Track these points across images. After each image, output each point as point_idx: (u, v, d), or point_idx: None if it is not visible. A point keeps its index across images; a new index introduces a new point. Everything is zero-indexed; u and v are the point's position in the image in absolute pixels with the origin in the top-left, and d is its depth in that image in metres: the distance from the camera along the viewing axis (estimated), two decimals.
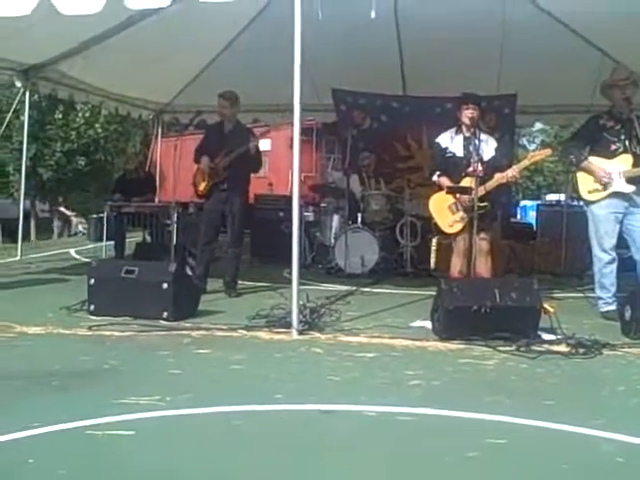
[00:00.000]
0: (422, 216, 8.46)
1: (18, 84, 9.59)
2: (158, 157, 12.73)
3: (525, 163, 6.10)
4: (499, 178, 5.90)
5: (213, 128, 7.35)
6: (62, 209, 20.35)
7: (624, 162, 5.82)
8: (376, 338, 4.99)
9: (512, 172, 5.91)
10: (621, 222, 5.86)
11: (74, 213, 20.06)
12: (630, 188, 5.80)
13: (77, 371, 4.06)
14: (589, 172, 5.92)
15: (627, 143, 5.83)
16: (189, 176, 7.21)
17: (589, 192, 5.95)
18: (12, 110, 10.50)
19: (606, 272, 5.91)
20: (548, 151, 6.33)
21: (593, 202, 5.94)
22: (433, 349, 4.76)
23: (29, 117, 11.07)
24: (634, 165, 5.79)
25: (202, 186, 6.92)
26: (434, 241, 8.84)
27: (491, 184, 5.89)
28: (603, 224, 5.88)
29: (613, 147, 5.87)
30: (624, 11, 6.88)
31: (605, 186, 5.83)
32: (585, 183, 5.97)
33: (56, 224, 20.14)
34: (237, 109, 7.05)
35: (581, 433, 3.14)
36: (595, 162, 5.90)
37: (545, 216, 10.68)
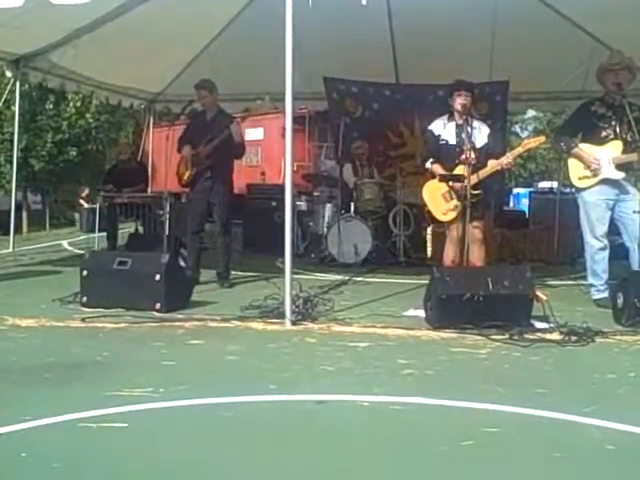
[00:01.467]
0: (415, 204, 8.47)
1: (8, 74, 9.56)
2: (150, 147, 12.68)
3: (519, 150, 6.05)
4: (494, 165, 5.89)
5: (196, 117, 7.36)
6: (81, 202, 20.29)
7: (614, 148, 5.82)
8: (369, 327, 5.00)
9: (507, 159, 5.89)
10: (612, 209, 5.87)
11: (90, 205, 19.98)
12: (620, 174, 5.81)
13: (70, 363, 4.05)
14: (579, 159, 5.93)
15: (617, 129, 5.83)
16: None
17: (579, 179, 5.96)
18: (2, 100, 10.43)
19: (598, 259, 5.92)
20: (542, 138, 6.29)
21: (584, 189, 5.95)
22: (426, 338, 4.76)
23: (20, 107, 11.01)
24: (624, 151, 5.79)
25: (186, 175, 6.91)
26: (429, 230, 8.85)
27: (485, 172, 5.87)
28: (594, 211, 5.89)
29: (604, 134, 5.87)
30: None
31: (595, 173, 5.84)
32: (576, 170, 5.97)
33: (77, 217, 20.03)
34: (216, 95, 7.05)
35: (573, 421, 3.15)
36: (585, 149, 5.91)
37: (538, 204, 10.70)
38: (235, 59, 9.46)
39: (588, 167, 5.86)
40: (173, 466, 2.68)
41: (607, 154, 5.82)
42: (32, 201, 20.69)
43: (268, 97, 6.84)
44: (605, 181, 5.84)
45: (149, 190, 10.58)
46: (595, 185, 5.88)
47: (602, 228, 5.89)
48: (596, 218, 5.89)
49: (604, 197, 5.86)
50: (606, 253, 5.91)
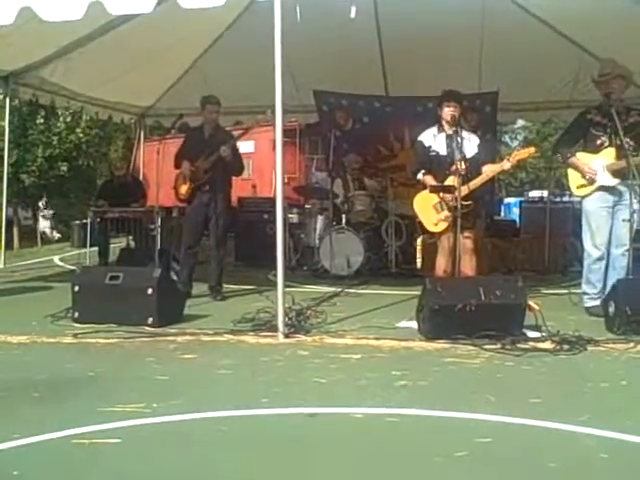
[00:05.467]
0: (407, 215, 8.48)
1: None
2: (141, 161, 12.68)
3: (511, 163, 6.00)
4: (484, 176, 5.90)
5: (194, 132, 7.36)
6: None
7: (607, 156, 5.87)
8: (362, 339, 4.99)
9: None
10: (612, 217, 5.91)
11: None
12: (615, 181, 5.85)
13: (62, 379, 4.04)
14: (575, 168, 5.99)
15: (612, 136, 5.86)
16: (172, 180, 7.19)
17: (578, 187, 6.03)
18: None
19: (594, 268, 5.94)
20: (532, 149, 6.26)
21: (583, 197, 5.99)
22: (419, 349, 4.77)
23: (10, 123, 10.99)
24: (617, 157, 5.82)
25: (184, 189, 6.91)
26: (419, 241, 8.86)
27: (475, 182, 5.88)
28: (594, 219, 5.92)
29: (599, 142, 5.93)
30: (602, 7, 6.94)
31: (590, 181, 5.88)
32: (574, 179, 6.04)
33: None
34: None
35: (566, 430, 3.16)
36: (581, 158, 5.98)
37: (528, 213, 10.72)
38: (225, 73, 9.48)
39: (584, 176, 5.91)
40: None
41: (601, 162, 5.87)
42: (23, 217, 20.60)
43: (270, 110, 6.81)
44: (603, 188, 5.89)
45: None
46: (594, 192, 5.92)
47: (601, 237, 5.91)
48: (596, 227, 5.92)
49: (604, 205, 5.90)
50: (603, 263, 5.92)
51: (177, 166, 6.98)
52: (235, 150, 6.90)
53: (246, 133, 7.47)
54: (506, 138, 31.66)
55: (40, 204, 19.48)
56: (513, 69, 9.06)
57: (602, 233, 5.91)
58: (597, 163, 5.88)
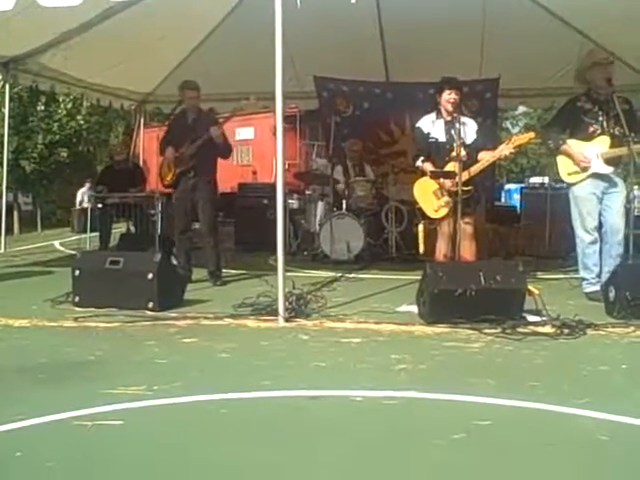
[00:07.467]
0: (407, 201, 8.48)
1: None
2: (141, 147, 12.68)
3: (509, 148, 6.00)
4: (485, 160, 5.89)
5: (177, 118, 7.35)
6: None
7: (602, 144, 5.85)
8: (362, 323, 5.01)
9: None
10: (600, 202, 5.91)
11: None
12: (608, 169, 5.84)
13: (63, 363, 4.05)
14: (567, 156, 5.96)
15: (605, 124, 5.85)
16: None
17: (569, 174, 5.99)
18: None
19: (589, 253, 5.95)
20: (531, 134, 6.24)
21: (574, 184, 5.98)
22: (419, 333, 4.78)
23: (10, 109, 10.97)
24: (612, 146, 5.82)
25: (169, 176, 6.92)
26: (420, 226, 8.86)
27: (476, 168, 5.88)
28: (584, 204, 5.92)
29: (591, 129, 5.90)
30: None
31: (584, 169, 5.87)
32: (565, 166, 6.00)
33: None
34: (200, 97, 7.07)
35: (566, 412, 3.17)
36: (573, 145, 5.93)
37: (529, 199, 10.73)
38: (225, 59, 9.46)
39: (577, 164, 5.90)
40: (168, 463, 2.68)
41: (595, 149, 5.85)
42: (23, 202, 20.63)
43: (253, 97, 6.80)
44: (594, 175, 5.87)
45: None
46: (585, 179, 5.91)
47: (592, 222, 5.92)
48: (587, 212, 5.92)
49: (593, 190, 5.89)
50: (597, 247, 5.94)
51: (161, 152, 6.98)
52: (219, 134, 6.87)
53: (229, 119, 7.40)
54: (507, 124, 31.61)
55: (82, 191, 19.31)
56: (514, 55, 9.04)
57: (592, 218, 5.91)
58: (591, 150, 5.86)
